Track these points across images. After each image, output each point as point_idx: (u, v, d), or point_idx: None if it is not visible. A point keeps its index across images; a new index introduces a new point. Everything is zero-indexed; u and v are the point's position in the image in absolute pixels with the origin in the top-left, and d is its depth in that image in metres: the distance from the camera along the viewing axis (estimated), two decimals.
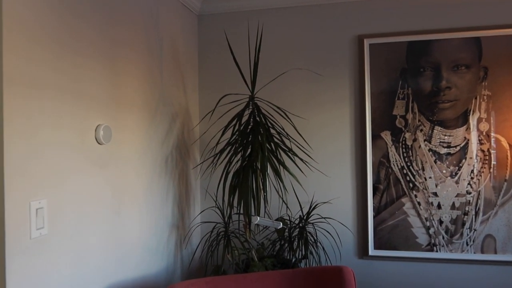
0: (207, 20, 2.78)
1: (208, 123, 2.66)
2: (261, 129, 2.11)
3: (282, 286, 1.91)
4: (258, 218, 2.02)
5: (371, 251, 2.53)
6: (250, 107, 2.23)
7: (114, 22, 1.86)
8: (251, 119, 2.21)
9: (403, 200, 2.49)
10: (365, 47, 2.54)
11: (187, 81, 2.65)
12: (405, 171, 2.49)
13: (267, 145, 2.15)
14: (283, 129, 2.23)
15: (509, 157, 2.37)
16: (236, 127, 2.20)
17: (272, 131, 2.21)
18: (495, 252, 2.38)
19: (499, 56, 2.38)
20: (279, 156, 2.15)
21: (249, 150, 2.15)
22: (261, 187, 2.09)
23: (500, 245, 2.38)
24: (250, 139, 2.16)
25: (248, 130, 2.20)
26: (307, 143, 2.38)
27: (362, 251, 2.55)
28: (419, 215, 2.47)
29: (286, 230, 2.38)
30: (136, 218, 2.00)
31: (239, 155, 2.18)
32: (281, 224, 2.19)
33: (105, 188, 1.77)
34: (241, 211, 2.15)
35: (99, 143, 1.73)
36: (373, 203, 2.52)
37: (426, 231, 2.46)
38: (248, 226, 2.14)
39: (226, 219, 2.30)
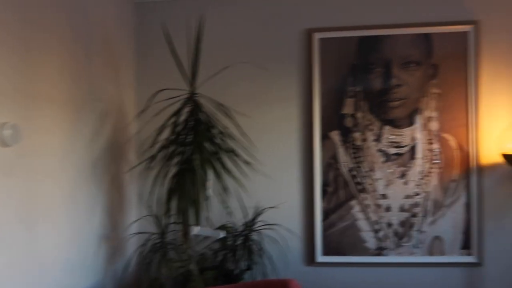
0: (146, 9, 2.52)
1: (145, 122, 2.40)
2: (201, 128, 1.91)
3: None
4: (197, 228, 1.81)
5: (319, 258, 2.40)
6: (190, 104, 2.02)
7: None
8: (191, 117, 2.00)
9: (352, 203, 2.39)
10: (314, 41, 2.40)
11: (121, 75, 2.38)
12: (354, 173, 2.38)
13: (209, 145, 1.95)
14: (226, 129, 2.03)
15: (456, 157, 2.33)
16: (174, 126, 1.98)
17: (215, 131, 2.01)
18: (443, 254, 2.34)
19: (450, 53, 2.33)
20: (221, 158, 1.96)
21: (187, 152, 1.94)
22: (201, 192, 1.89)
23: (447, 247, 2.33)
24: (189, 139, 1.94)
25: (187, 129, 1.98)
26: (252, 143, 2.20)
27: (310, 258, 2.42)
28: (367, 218, 2.38)
29: (230, 239, 2.19)
30: (53, 233, 1.72)
31: (177, 158, 1.96)
32: (223, 233, 2.00)
33: (9, 199, 1.48)
34: (180, 220, 1.94)
35: (3, 145, 1.44)
36: (322, 206, 2.39)
37: (374, 235, 2.37)
38: (186, 236, 1.93)
39: (162, 228, 2.07)
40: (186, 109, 2.00)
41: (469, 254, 2.32)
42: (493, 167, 2.30)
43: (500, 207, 2.31)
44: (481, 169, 2.32)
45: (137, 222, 2.39)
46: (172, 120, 1.97)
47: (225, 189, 1.90)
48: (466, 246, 2.32)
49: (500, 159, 2.23)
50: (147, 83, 2.45)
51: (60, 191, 1.76)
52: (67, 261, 1.80)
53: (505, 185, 2.30)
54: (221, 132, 1.97)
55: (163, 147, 1.95)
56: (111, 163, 2.17)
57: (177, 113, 1.98)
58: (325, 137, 2.39)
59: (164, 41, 2.09)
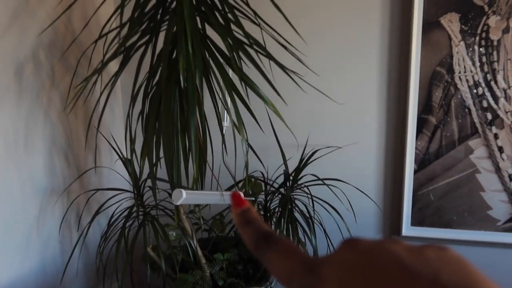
0: None
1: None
2: None
3: None
4: (183, 192, 0.92)
5: (406, 229, 1.47)
6: None
7: None
8: None
9: (472, 143, 1.38)
10: None
11: None
12: (481, 90, 1.34)
13: (205, 29, 0.98)
14: (244, 1, 1.04)
15: None
16: None
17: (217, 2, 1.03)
18: None
19: None
20: (234, 56, 0.99)
21: (165, 48, 0.98)
22: (194, 124, 0.96)
23: None
24: (168, 20, 0.98)
25: (168, 0, 1.02)
26: (296, 31, 1.18)
27: (392, 229, 1.50)
28: (498, 169, 1.37)
29: (257, 202, 1.31)
30: None
31: (150, 58, 1.03)
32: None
33: None
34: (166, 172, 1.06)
35: None
36: (416, 148, 1.41)
37: (508, 198, 1.38)
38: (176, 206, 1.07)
39: (139, 184, 1.21)
40: None
41: None
42: None
43: None
44: None
45: (99, 170, 1.54)
46: None
47: (239, 120, 0.96)
48: None
49: None
50: None
51: None
52: None
53: None
54: (232, 7, 0.97)
55: (126, 36, 1.00)
56: (59, 71, 1.29)
57: None
58: (432, 25, 1.33)
59: None
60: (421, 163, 1.41)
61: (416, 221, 1.46)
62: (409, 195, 1.43)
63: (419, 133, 1.39)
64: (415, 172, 1.42)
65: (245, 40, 0.98)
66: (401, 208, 1.45)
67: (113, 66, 1.49)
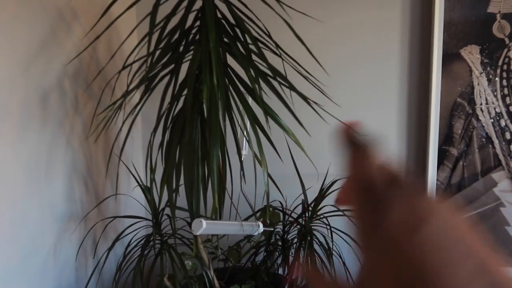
0: None
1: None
2: (212, 30, 0.94)
3: None
4: (204, 222, 0.92)
5: None
6: None
7: None
8: (199, 13, 1.05)
9: (495, 175, 1.35)
10: None
11: None
12: (503, 122, 1.32)
13: (229, 61, 1.00)
14: (266, 33, 1.06)
15: None
16: (170, 32, 1.04)
17: (240, 33, 1.05)
18: None
19: None
20: (256, 87, 1.00)
21: (190, 78, 1.00)
22: (217, 154, 0.97)
23: None
24: (193, 51, 1.00)
25: (192, 31, 1.04)
26: (319, 63, 1.18)
27: None
28: None
29: (276, 232, 1.29)
30: None
31: (172, 88, 1.05)
32: (260, 226, 1.09)
33: None
34: (187, 201, 1.05)
35: None
36: (437, 180, 1.38)
37: None
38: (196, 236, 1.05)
39: (157, 212, 1.21)
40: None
41: None
42: None
43: None
44: None
45: (120, 197, 1.55)
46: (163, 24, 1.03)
47: (260, 147, 0.96)
48: None
49: None
50: None
51: None
52: (6, 261, 1.01)
53: None
54: (255, 39, 0.99)
55: (150, 66, 1.02)
56: (82, 98, 1.32)
57: (175, 9, 1.04)
58: (453, 57, 1.33)
59: None
60: (443, 195, 1.38)
61: None
62: None
63: (440, 165, 1.37)
64: None
65: (267, 71, 0.99)
66: None
67: (132, 96, 1.52)
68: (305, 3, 1.41)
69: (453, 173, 1.37)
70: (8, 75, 1.05)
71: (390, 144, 1.42)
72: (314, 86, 1.06)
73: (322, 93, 1.07)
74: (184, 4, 1.04)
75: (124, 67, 1.08)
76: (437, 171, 1.37)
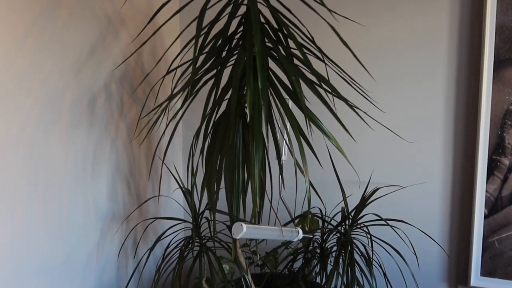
0: None
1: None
2: (258, 34, 0.95)
3: None
4: (244, 226, 0.91)
5: (475, 279, 1.36)
6: None
7: None
8: (243, 19, 1.05)
9: None
10: None
11: None
12: None
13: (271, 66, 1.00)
14: (310, 38, 1.05)
15: None
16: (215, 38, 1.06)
17: (284, 38, 1.05)
18: None
19: None
20: (298, 92, 0.99)
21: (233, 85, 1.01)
22: (259, 158, 0.96)
23: None
24: (236, 56, 1.01)
25: (235, 37, 1.05)
26: (366, 69, 1.15)
27: (458, 277, 1.39)
28: None
29: (315, 240, 1.27)
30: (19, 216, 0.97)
31: (214, 91, 1.06)
32: (300, 232, 1.08)
33: None
34: (227, 204, 1.06)
35: None
36: (486, 191, 1.32)
37: None
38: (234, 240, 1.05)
39: (198, 214, 1.22)
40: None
41: None
42: None
43: None
44: None
45: (163, 199, 1.57)
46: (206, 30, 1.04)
47: (302, 153, 0.94)
48: None
49: None
50: None
51: (9, 146, 0.99)
52: (40, 260, 1.05)
53: None
54: (299, 45, 0.98)
55: (194, 72, 1.04)
56: (127, 102, 1.36)
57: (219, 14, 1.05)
58: (503, 62, 1.26)
59: None
60: (493, 208, 1.32)
61: (487, 272, 1.34)
62: (478, 241, 1.33)
63: (490, 175, 1.31)
64: (486, 217, 1.32)
65: (310, 76, 0.98)
66: (469, 256, 1.34)
67: (174, 100, 1.55)
68: (350, 10, 1.39)
69: (504, 185, 1.30)
70: (60, 78, 1.09)
71: (435, 153, 1.37)
72: (360, 93, 1.04)
73: (367, 99, 1.05)
74: (228, 10, 1.05)
75: (168, 72, 1.10)
76: (487, 182, 1.31)
